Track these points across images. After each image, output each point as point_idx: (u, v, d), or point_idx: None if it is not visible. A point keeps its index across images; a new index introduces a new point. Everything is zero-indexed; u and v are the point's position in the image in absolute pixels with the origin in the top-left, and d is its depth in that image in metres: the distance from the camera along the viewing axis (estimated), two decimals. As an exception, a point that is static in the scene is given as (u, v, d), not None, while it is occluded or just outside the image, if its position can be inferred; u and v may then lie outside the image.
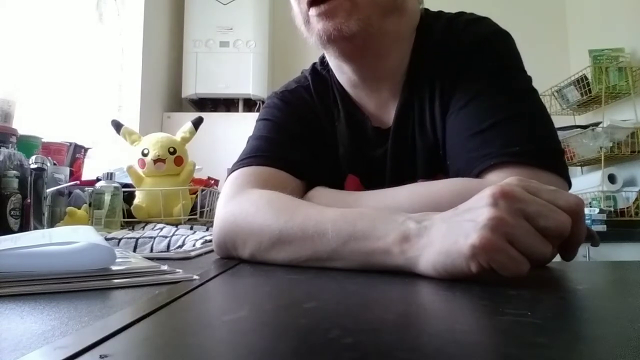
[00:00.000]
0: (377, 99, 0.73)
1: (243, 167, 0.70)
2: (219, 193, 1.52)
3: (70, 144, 1.35)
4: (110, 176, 1.03)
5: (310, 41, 0.69)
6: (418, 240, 0.42)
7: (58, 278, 0.40)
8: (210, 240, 0.89)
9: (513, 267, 0.36)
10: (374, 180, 0.71)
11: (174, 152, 1.17)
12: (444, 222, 0.41)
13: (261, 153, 0.70)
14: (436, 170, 0.67)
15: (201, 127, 1.26)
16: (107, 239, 0.77)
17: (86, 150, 1.45)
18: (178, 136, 1.22)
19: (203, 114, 1.42)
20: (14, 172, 0.78)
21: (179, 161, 1.18)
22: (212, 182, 1.61)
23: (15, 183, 0.78)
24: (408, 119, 0.70)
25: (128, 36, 1.97)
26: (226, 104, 2.37)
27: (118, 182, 1.05)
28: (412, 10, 0.71)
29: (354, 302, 0.35)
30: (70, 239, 0.44)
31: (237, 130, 2.16)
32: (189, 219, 1.18)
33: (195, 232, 0.95)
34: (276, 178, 0.67)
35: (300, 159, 0.70)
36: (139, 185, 1.15)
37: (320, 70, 0.81)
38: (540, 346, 0.23)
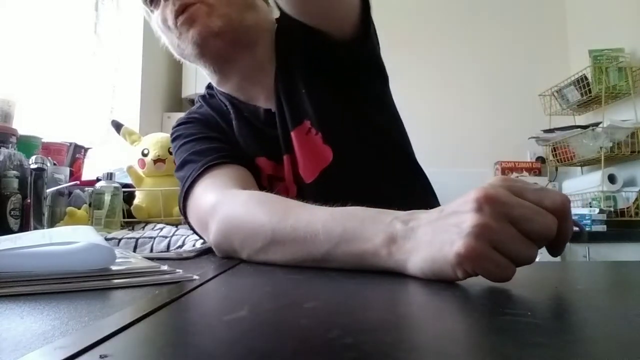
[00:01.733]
0: (262, 91, 0.81)
1: (202, 174, 0.72)
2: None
3: (70, 144, 1.35)
4: (110, 176, 1.03)
5: (188, 55, 0.79)
6: (404, 243, 0.42)
7: (58, 278, 0.40)
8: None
9: (499, 273, 0.36)
10: (276, 154, 0.78)
11: (174, 152, 1.17)
12: (430, 224, 0.40)
13: (208, 158, 0.74)
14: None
15: (201, 127, 1.26)
16: (107, 239, 0.77)
17: (86, 150, 1.45)
18: (178, 136, 1.22)
19: (203, 114, 1.41)
20: (14, 172, 0.78)
21: (179, 161, 1.18)
22: (212, 182, 1.61)
23: (15, 183, 0.78)
24: (287, 98, 0.78)
25: (128, 36, 1.97)
26: (226, 104, 2.37)
27: (118, 182, 1.05)
28: (262, 6, 0.83)
29: (354, 302, 0.35)
30: (70, 239, 0.44)
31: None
32: (189, 219, 1.18)
33: (195, 232, 0.95)
34: (239, 173, 0.73)
35: (233, 152, 0.76)
36: (139, 185, 1.15)
37: (206, 94, 0.92)
38: (540, 346, 0.23)
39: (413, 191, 0.83)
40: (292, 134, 0.76)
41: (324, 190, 0.68)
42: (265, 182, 0.78)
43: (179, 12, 0.74)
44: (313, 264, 0.50)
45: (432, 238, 0.39)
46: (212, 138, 0.80)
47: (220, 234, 0.61)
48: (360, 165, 0.76)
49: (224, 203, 0.63)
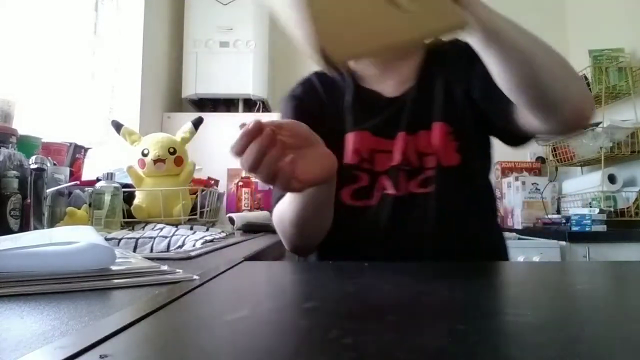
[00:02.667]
0: (397, 79, 0.86)
1: None
2: (219, 193, 1.52)
3: (70, 144, 1.35)
4: (110, 176, 1.03)
5: None
6: None
7: (58, 278, 0.40)
8: (211, 240, 0.89)
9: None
10: (387, 131, 0.82)
11: (174, 153, 1.17)
12: None
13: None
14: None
15: (201, 127, 1.26)
16: (107, 239, 0.77)
17: (86, 150, 1.45)
18: (178, 136, 1.22)
19: (203, 114, 1.42)
20: (14, 172, 0.78)
21: (179, 161, 1.18)
22: (212, 182, 1.61)
23: (15, 183, 0.78)
24: (426, 81, 0.84)
25: (128, 36, 1.97)
26: (226, 104, 2.36)
27: (118, 182, 1.05)
28: None
29: (354, 302, 0.35)
30: (70, 239, 0.44)
31: (237, 130, 2.16)
32: (189, 219, 1.18)
33: (195, 232, 0.95)
34: None
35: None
36: (139, 185, 1.15)
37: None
38: (540, 346, 0.23)
39: (489, 208, 0.90)
40: (434, 125, 0.81)
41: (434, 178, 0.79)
42: (366, 153, 0.82)
43: None
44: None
45: None
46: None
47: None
48: (472, 182, 0.83)
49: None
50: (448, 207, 0.77)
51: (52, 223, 0.91)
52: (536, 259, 1.90)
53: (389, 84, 0.88)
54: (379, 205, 0.79)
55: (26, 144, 1.01)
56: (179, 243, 0.85)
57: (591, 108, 0.68)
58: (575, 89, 0.66)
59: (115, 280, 0.43)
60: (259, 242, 1.13)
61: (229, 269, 0.52)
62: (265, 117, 2.48)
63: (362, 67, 0.89)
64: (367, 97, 0.87)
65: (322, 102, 0.88)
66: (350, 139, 0.83)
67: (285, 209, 0.73)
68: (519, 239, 2.21)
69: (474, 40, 0.62)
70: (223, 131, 2.16)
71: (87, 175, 1.28)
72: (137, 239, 0.83)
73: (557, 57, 0.67)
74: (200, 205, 1.25)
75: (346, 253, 0.77)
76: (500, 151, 0.93)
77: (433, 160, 0.81)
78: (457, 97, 0.83)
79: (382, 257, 0.70)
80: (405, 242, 0.77)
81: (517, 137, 0.81)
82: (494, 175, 2.70)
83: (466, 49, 0.76)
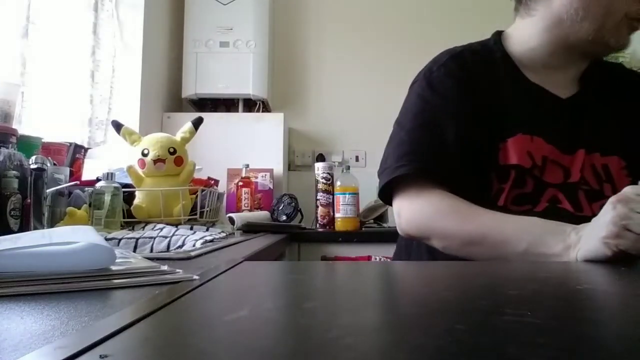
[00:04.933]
0: (560, 77, 0.84)
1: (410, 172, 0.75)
2: (219, 193, 1.52)
3: (70, 144, 1.35)
4: (110, 176, 1.03)
5: (590, 26, 0.77)
6: (575, 248, 0.60)
7: (58, 278, 0.40)
8: (211, 240, 0.89)
9: (633, 247, 0.53)
10: (563, 142, 0.79)
11: (174, 152, 1.17)
12: (589, 228, 0.59)
13: (422, 161, 0.76)
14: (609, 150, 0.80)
15: (201, 127, 1.26)
16: (107, 239, 0.77)
17: (86, 150, 1.45)
18: (178, 136, 1.22)
19: (203, 114, 1.42)
20: (14, 172, 0.78)
21: (179, 161, 1.18)
22: (212, 182, 1.61)
23: (15, 183, 0.78)
24: (600, 97, 0.83)
25: (128, 36, 1.97)
26: (226, 104, 2.36)
27: (118, 182, 1.05)
28: None
29: (354, 302, 0.35)
30: (70, 239, 0.44)
31: (237, 130, 2.16)
32: (189, 219, 1.18)
33: (195, 232, 0.95)
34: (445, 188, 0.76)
35: (454, 159, 0.76)
36: (139, 185, 1.15)
37: (482, 49, 0.87)
38: (540, 346, 0.23)
39: None
40: (615, 158, 0.80)
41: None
42: (538, 160, 0.77)
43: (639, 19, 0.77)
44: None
45: (590, 234, 0.58)
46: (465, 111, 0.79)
47: (411, 227, 0.75)
48: None
49: (417, 199, 0.74)
50: None
51: (52, 223, 0.91)
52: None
53: (552, 81, 0.83)
54: (546, 215, 0.71)
55: (26, 144, 1.01)
56: (179, 243, 0.85)
57: None
58: None
59: (115, 280, 0.43)
60: (259, 242, 1.13)
61: (229, 269, 0.52)
62: (266, 117, 2.48)
63: (536, 55, 0.83)
64: (536, 92, 0.82)
65: (480, 85, 0.81)
66: (521, 139, 0.78)
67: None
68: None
69: None
70: (223, 131, 2.17)
71: (87, 175, 1.27)
72: (137, 239, 0.83)
73: None
74: (200, 205, 1.25)
75: None
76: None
77: (610, 190, 0.78)
78: (632, 132, 0.82)
79: None
80: None
81: None
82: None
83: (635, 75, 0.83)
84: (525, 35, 0.85)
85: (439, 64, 0.83)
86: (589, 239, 0.58)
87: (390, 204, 0.80)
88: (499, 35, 0.89)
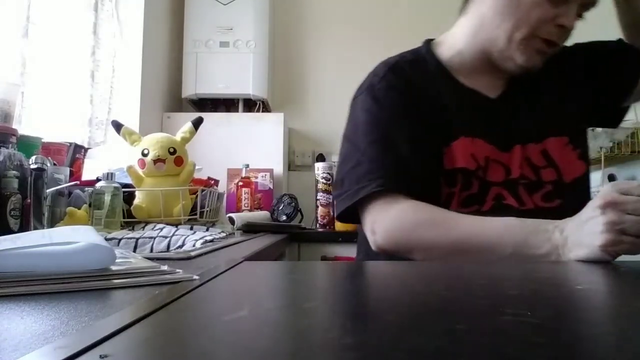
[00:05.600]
0: (491, 77, 0.85)
1: (376, 189, 0.74)
2: (219, 193, 1.52)
3: (70, 144, 1.35)
4: (110, 176, 1.03)
5: (502, 52, 0.79)
6: (564, 248, 0.59)
7: (58, 278, 0.40)
8: (211, 240, 0.89)
9: (634, 249, 0.54)
10: (500, 140, 0.80)
11: (174, 152, 1.17)
12: (577, 231, 0.58)
13: (384, 177, 0.75)
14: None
15: (201, 127, 1.26)
16: (107, 239, 0.77)
17: (86, 150, 1.45)
18: (178, 136, 1.22)
19: (203, 114, 1.42)
20: (14, 172, 0.78)
21: (179, 161, 1.18)
22: (212, 182, 1.61)
23: (15, 183, 0.78)
24: (528, 90, 0.84)
25: (128, 36, 1.97)
26: (226, 104, 2.36)
27: (118, 182, 1.05)
28: None
29: (354, 302, 0.35)
30: (70, 239, 0.44)
31: (237, 130, 2.16)
32: (189, 219, 1.18)
33: (195, 232, 0.95)
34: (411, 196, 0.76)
35: (413, 162, 0.77)
36: (139, 185, 1.15)
37: (425, 54, 0.89)
38: (540, 346, 0.23)
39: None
40: (549, 140, 0.81)
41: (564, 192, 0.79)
42: (482, 161, 0.79)
43: (549, 43, 0.77)
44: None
45: (581, 238, 0.57)
46: (411, 119, 0.80)
47: (389, 242, 0.72)
48: (589, 192, 0.86)
49: (389, 210, 0.73)
50: None
51: (52, 223, 0.91)
52: None
53: (481, 82, 0.85)
54: (493, 212, 0.74)
55: (26, 144, 1.01)
56: (179, 243, 0.85)
57: None
58: None
59: (115, 280, 0.43)
60: (259, 242, 1.13)
61: (229, 269, 0.52)
62: (266, 117, 2.48)
63: (463, 59, 0.85)
64: (470, 95, 0.84)
65: (419, 92, 0.83)
66: (464, 142, 0.79)
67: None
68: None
69: None
70: (223, 131, 2.17)
71: (87, 175, 1.27)
72: (137, 239, 0.83)
73: None
74: (200, 205, 1.25)
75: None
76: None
77: (551, 174, 0.79)
78: (567, 107, 0.83)
79: None
80: None
81: (617, 114, 0.88)
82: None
83: (565, 48, 0.81)
84: (455, 38, 0.87)
85: (379, 77, 0.84)
86: (581, 243, 0.57)
87: (353, 223, 0.80)
88: (428, 43, 0.91)
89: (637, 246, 0.53)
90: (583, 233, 0.57)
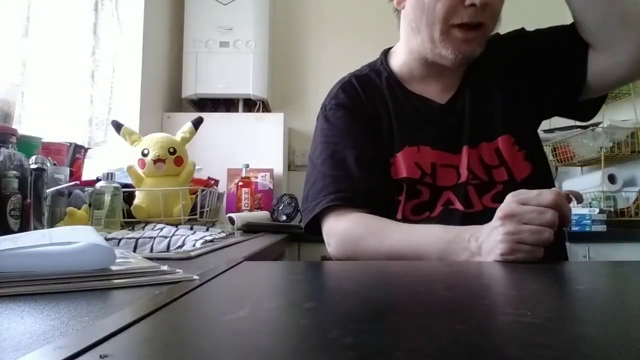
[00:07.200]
0: (441, 84, 0.86)
1: (328, 203, 0.79)
2: (219, 193, 1.52)
3: (70, 144, 1.35)
4: (110, 176, 1.03)
5: (431, 49, 0.80)
6: (479, 254, 0.62)
7: (58, 278, 0.40)
8: (211, 240, 0.89)
9: (530, 257, 0.55)
10: (448, 144, 0.82)
11: (174, 152, 1.17)
12: (487, 239, 0.60)
13: (335, 192, 0.80)
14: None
15: (201, 127, 1.26)
16: (107, 239, 0.77)
17: (86, 150, 1.45)
18: (178, 136, 1.22)
19: (203, 114, 1.42)
20: (14, 172, 0.78)
21: (179, 161, 1.18)
22: (212, 182, 1.61)
23: (15, 183, 0.78)
24: (476, 92, 0.84)
25: (127, 36, 1.97)
26: (226, 104, 2.36)
27: (118, 182, 1.05)
28: None
29: (354, 302, 0.35)
30: (70, 239, 0.44)
31: (237, 130, 2.16)
32: (189, 219, 1.18)
33: (195, 232, 0.95)
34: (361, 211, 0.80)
35: (366, 176, 0.80)
36: (139, 185, 1.15)
37: (369, 72, 0.92)
38: (540, 346, 0.23)
39: None
40: (501, 138, 0.81)
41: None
42: (427, 168, 0.81)
43: (469, 26, 0.76)
44: None
45: (490, 248, 0.60)
46: (357, 136, 0.84)
47: (339, 250, 0.76)
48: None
49: (339, 222, 0.77)
50: None
51: (52, 223, 0.91)
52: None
53: (433, 89, 0.86)
54: (441, 218, 0.77)
55: (26, 144, 1.01)
56: (179, 243, 0.85)
57: None
58: None
59: (115, 280, 0.43)
60: (259, 242, 1.13)
61: (229, 269, 0.52)
62: (266, 117, 2.48)
63: (409, 68, 0.87)
64: (418, 104, 0.85)
65: (368, 108, 0.86)
66: (408, 152, 0.81)
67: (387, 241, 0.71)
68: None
69: None
70: (223, 131, 2.17)
71: (87, 175, 1.27)
72: (137, 239, 0.83)
73: None
74: (200, 205, 1.25)
75: None
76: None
77: (503, 174, 0.80)
78: (516, 104, 0.83)
79: None
80: None
81: (586, 107, 0.85)
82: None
83: (513, 39, 0.82)
84: (398, 49, 0.90)
85: (330, 97, 0.91)
86: (489, 251, 0.60)
87: (317, 235, 0.84)
88: (385, 53, 0.94)
89: (534, 254, 0.55)
90: (490, 241, 0.60)
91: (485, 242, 0.61)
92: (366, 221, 0.76)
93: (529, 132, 0.84)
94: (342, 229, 0.77)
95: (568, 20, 0.86)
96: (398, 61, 0.89)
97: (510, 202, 0.58)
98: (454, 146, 0.82)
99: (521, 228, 0.56)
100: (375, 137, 0.84)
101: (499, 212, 0.58)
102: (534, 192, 0.57)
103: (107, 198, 0.99)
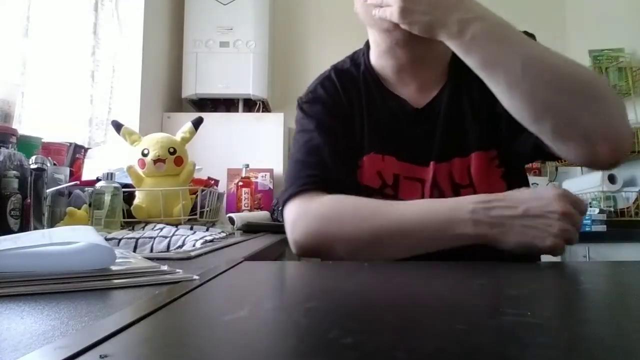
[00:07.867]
0: (419, 82, 0.81)
1: (301, 192, 0.73)
2: (219, 193, 1.52)
3: (70, 144, 1.35)
4: (110, 176, 1.03)
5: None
6: (492, 227, 0.60)
7: (58, 278, 0.40)
8: (211, 240, 0.89)
9: (560, 253, 0.58)
10: (416, 156, 0.77)
11: (174, 152, 1.17)
12: (520, 219, 0.59)
13: (307, 181, 0.74)
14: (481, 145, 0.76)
15: (201, 127, 1.26)
16: (107, 239, 0.77)
17: (86, 150, 1.45)
18: (178, 136, 1.22)
19: (203, 114, 1.42)
20: (14, 172, 0.78)
21: (179, 161, 1.18)
22: (212, 182, 1.61)
23: (15, 183, 0.78)
24: (454, 98, 0.78)
25: (127, 36, 1.97)
26: (226, 104, 2.37)
27: (118, 182, 1.05)
28: None
29: (354, 302, 0.35)
30: (70, 239, 0.44)
31: (237, 130, 2.16)
32: (189, 219, 1.18)
33: (195, 232, 0.95)
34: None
35: (339, 168, 0.76)
36: (139, 185, 1.15)
37: (350, 66, 0.88)
38: (540, 346, 0.23)
39: None
40: (474, 155, 0.75)
41: None
42: (389, 179, 0.77)
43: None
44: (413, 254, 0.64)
45: (524, 231, 0.59)
46: (331, 135, 0.79)
47: (310, 238, 0.68)
48: None
49: (309, 206, 0.70)
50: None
51: (52, 223, 0.91)
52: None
53: (410, 88, 0.81)
54: None
55: (26, 144, 1.01)
56: (179, 243, 0.85)
57: (619, 140, 0.62)
58: (588, 118, 0.61)
59: (115, 280, 0.43)
60: (259, 242, 1.13)
61: (229, 269, 0.52)
62: (266, 117, 2.48)
63: (384, 65, 0.82)
64: (393, 104, 0.80)
65: (344, 106, 0.82)
66: (374, 158, 0.78)
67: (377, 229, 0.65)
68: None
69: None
70: (223, 131, 2.17)
71: (87, 175, 1.27)
72: (137, 239, 0.83)
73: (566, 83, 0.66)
74: (200, 205, 1.25)
75: None
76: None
77: (471, 191, 0.73)
78: (498, 119, 0.73)
79: None
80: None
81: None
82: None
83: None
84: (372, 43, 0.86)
85: (309, 90, 0.86)
86: (522, 236, 0.59)
87: None
88: (367, 45, 0.89)
89: (562, 251, 0.59)
90: (529, 225, 0.59)
91: (516, 221, 0.59)
92: (347, 200, 0.69)
93: (512, 154, 0.76)
94: (314, 209, 0.69)
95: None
96: (373, 53, 0.85)
97: (565, 201, 0.59)
98: (422, 158, 0.77)
99: (572, 229, 0.58)
100: (348, 136, 0.80)
101: (558, 207, 0.58)
102: (576, 196, 0.61)
103: (107, 198, 0.99)
